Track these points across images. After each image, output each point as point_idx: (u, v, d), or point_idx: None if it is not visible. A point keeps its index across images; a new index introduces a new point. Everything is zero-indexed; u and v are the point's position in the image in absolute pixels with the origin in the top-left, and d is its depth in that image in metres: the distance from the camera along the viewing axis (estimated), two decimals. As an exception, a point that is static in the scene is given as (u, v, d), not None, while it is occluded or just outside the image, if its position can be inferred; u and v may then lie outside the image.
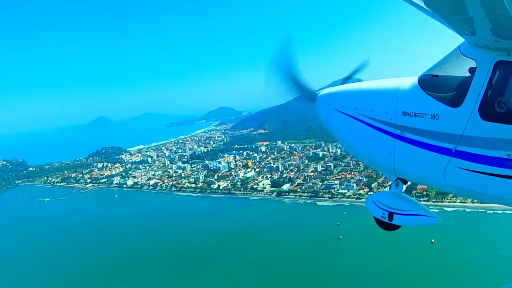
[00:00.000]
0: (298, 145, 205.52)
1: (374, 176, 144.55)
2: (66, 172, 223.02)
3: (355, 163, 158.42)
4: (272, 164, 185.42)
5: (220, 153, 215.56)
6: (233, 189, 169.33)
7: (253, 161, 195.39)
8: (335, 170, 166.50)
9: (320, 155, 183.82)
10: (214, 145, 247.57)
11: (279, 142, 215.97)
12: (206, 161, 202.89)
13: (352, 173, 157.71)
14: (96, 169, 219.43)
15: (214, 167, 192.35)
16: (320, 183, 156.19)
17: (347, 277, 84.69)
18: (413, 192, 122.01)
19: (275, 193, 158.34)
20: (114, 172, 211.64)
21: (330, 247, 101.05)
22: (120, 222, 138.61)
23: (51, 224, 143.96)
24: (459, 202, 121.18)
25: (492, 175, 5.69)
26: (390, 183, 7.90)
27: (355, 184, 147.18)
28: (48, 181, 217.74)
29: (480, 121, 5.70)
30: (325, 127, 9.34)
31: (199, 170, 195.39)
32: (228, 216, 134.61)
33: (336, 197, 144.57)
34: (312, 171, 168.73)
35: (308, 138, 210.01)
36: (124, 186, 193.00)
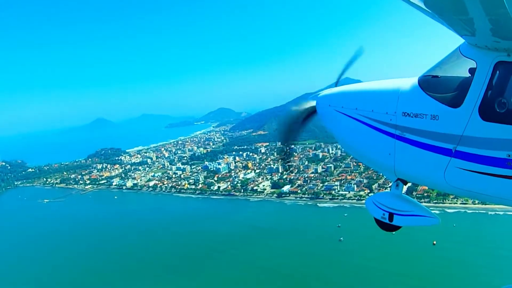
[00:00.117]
0: (297, 146, 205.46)
1: (374, 178, 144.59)
2: (65, 173, 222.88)
3: (355, 164, 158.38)
4: (272, 166, 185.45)
5: (219, 154, 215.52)
6: (233, 190, 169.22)
7: (253, 162, 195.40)
8: (335, 171, 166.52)
9: (320, 156, 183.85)
10: (213, 146, 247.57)
11: (279, 143, 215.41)
12: (206, 162, 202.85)
13: (353, 174, 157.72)
14: (96, 170, 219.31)
15: (214, 168, 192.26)
16: (321, 185, 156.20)
17: (349, 279, 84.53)
18: (414, 193, 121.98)
19: (275, 195, 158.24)
20: (113, 174, 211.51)
21: (331, 249, 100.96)
22: (120, 223, 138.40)
23: (51, 225, 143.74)
24: (460, 203, 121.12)
25: (492, 175, 5.69)
26: (390, 184, 7.91)
27: (355, 186, 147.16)
28: (47, 182, 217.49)
29: (480, 122, 5.71)
30: (326, 128, 9.36)
31: (199, 171, 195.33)
32: (229, 217, 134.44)
33: (337, 199, 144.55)
34: (312, 172, 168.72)
35: (308, 139, 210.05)
36: (124, 187, 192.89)
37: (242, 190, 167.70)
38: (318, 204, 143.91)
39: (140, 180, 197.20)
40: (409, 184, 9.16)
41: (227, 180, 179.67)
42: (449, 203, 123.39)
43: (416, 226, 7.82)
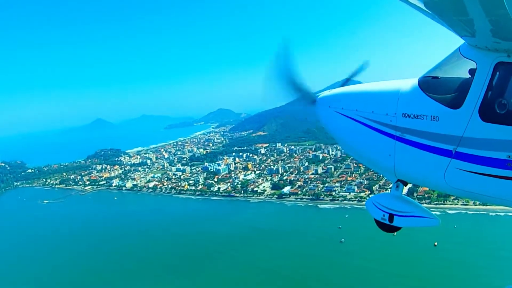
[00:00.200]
0: (297, 147, 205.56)
1: (375, 179, 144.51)
2: (64, 174, 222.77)
3: (355, 165, 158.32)
4: (272, 167, 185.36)
5: (219, 155, 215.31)
6: (233, 191, 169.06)
7: (253, 163, 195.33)
8: (335, 172, 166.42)
9: (320, 157, 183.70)
10: (213, 147, 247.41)
11: (279, 144, 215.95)
12: (206, 163, 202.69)
13: (353, 175, 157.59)
14: (95, 171, 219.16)
15: (214, 169, 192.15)
16: (321, 186, 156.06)
17: (349, 280, 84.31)
18: (415, 194, 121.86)
19: (275, 196, 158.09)
20: (113, 174, 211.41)
21: (332, 250, 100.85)
22: (120, 224, 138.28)
23: (51, 225, 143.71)
24: (461, 205, 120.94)
25: (492, 176, 5.69)
26: (391, 185, 7.91)
27: (356, 187, 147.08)
28: (47, 183, 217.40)
29: (480, 123, 5.71)
30: (326, 129, 9.35)
31: (199, 172, 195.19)
32: (229, 218, 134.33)
33: (338, 200, 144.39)
34: (312, 174, 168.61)
35: (307, 140, 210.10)
36: (123, 188, 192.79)
37: (242, 191, 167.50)
38: (318, 205, 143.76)
39: (140, 181, 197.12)
40: (409, 185, 9.18)
41: (227, 181, 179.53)
42: (450, 204, 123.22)
43: (417, 227, 7.83)
